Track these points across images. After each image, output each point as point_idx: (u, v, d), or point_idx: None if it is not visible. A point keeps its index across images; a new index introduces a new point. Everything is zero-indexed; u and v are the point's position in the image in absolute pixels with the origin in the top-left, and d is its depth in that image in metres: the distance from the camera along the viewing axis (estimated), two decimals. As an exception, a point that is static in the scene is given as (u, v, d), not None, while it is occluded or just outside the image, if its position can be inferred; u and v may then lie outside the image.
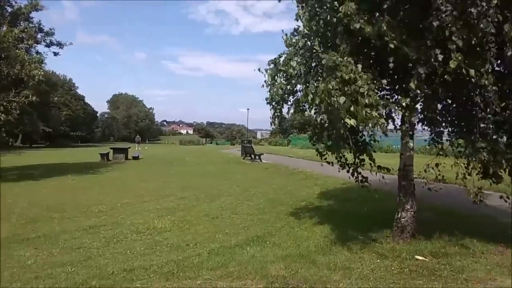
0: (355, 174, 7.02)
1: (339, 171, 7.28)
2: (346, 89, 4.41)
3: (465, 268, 5.27)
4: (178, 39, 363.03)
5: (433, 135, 6.19)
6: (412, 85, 4.71)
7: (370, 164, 6.72)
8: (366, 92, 4.43)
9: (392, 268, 5.33)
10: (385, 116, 5.09)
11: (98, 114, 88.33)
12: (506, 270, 5.16)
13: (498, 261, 5.50)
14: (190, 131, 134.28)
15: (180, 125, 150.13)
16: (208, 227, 7.96)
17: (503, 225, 7.23)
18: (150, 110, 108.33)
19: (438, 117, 5.85)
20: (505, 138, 5.66)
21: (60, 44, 22.32)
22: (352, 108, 4.39)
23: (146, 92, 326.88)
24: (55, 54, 22.32)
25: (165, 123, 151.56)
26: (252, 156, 24.18)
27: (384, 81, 5.13)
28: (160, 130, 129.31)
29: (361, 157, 6.95)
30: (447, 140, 6.40)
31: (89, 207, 10.23)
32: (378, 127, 5.03)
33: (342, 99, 4.27)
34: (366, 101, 4.40)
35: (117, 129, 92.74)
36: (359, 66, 4.67)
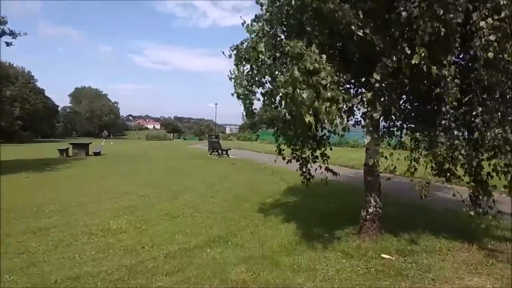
0: (304, 169, 6.84)
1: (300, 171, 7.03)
2: (310, 80, 4.09)
3: (432, 267, 5.13)
4: (145, 32, 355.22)
5: (390, 128, 6.09)
6: (376, 76, 4.45)
7: (324, 161, 6.58)
8: (328, 84, 4.13)
9: (358, 268, 5.11)
10: (345, 111, 4.85)
11: (59, 109, 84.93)
12: (473, 268, 5.05)
13: (465, 259, 5.40)
14: (157, 126, 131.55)
15: (147, 120, 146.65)
16: (167, 227, 7.50)
17: (465, 219, 7.22)
18: (115, 105, 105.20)
19: (397, 112, 5.70)
20: (466, 134, 5.56)
21: (13, 34, 20.95)
22: (316, 104, 4.08)
23: (112, 86, 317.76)
24: (8, 44, 20.93)
25: (131, 117, 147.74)
26: (219, 151, 23.74)
27: (349, 75, 4.86)
28: (126, 125, 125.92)
29: (315, 153, 6.78)
30: (405, 134, 6.31)
31: (41, 207, 9.48)
32: (338, 123, 4.79)
33: (305, 93, 3.96)
34: (328, 94, 4.11)
35: (80, 124, 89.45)
36: (324, 56, 4.37)
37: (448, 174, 5.94)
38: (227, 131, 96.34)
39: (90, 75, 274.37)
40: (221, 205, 9.52)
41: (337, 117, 4.57)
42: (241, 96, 5.73)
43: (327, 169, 6.61)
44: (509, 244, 5.88)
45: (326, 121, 4.23)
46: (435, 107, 5.78)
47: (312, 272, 4.98)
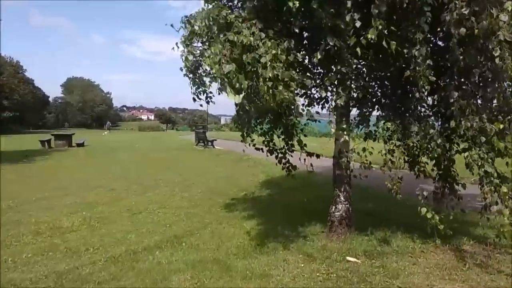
0: (282, 161, 6.25)
1: (277, 161, 6.43)
2: (244, 56, 3.46)
3: (401, 272, 4.57)
4: (139, 22, 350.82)
5: (359, 117, 5.46)
6: (316, 59, 3.82)
7: (301, 148, 5.97)
8: (269, 63, 3.50)
9: (318, 274, 4.55)
10: (302, 95, 4.24)
11: (51, 99, 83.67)
12: (446, 274, 4.50)
13: (438, 262, 4.84)
14: (152, 117, 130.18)
15: (141, 111, 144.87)
16: (124, 225, 6.91)
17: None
18: (108, 95, 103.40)
19: (365, 99, 5.10)
20: (439, 123, 5.00)
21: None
22: (256, 83, 3.45)
23: (105, 77, 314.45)
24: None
25: (125, 108, 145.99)
26: (205, 142, 23.10)
27: (299, 55, 4.21)
28: (119, 116, 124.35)
29: (291, 141, 6.18)
30: (377, 124, 5.69)
31: (-2, 202, 8.87)
32: (299, 108, 4.19)
33: (227, 68, 3.34)
34: (270, 74, 3.48)
35: (72, 115, 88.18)
36: (263, 32, 3.72)
37: (421, 168, 5.40)
38: (222, 121, 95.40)
39: (83, 66, 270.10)
40: (191, 200, 8.94)
41: (292, 99, 3.99)
42: (192, 76, 5.07)
43: (308, 154, 6.01)
44: (488, 245, 5.30)
45: (271, 103, 3.62)
46: (408, 94, 5.19)
47: (265, 279, 4.41)
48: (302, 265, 4.81)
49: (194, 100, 5.36)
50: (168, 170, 14.21)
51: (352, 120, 5.80)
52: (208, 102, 5.59)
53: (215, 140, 22.61)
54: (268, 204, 8.35)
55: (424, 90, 4.27)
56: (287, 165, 6.29)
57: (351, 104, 5.53)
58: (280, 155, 6.25)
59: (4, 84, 54.98)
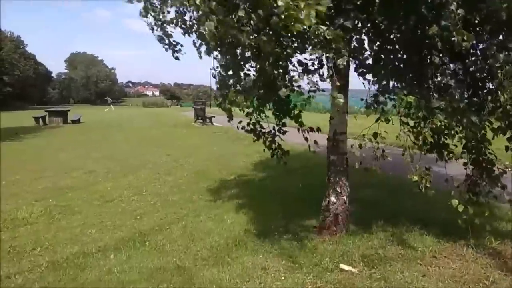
0: (273, 146, 5.17)
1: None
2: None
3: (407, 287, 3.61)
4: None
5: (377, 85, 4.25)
6: None
7: (298, 129, 4.81)
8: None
9: (302, 289, 3.61)
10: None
11: (54, 75, 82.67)
12: (465, 290, 3.53)
13: (455, 272, 3.85)
14: (157, 93, 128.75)
15: (146, 86, 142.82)
16: (89, 217, 6.03)
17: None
18: (112, 71, 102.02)
19: (382, 61, 4.00)
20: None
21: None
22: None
23: (110, 52, 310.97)
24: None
25: (130, 84, 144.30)
26: (203, 119, 22.07)
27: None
28: (124, 92, 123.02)
29: (285, 118, 5.09)
30: (388, 98, 4.43)
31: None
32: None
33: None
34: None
35: (76, 91, 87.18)
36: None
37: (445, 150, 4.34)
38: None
39: (86, 40, 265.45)
40: (173, 185, 8.02)
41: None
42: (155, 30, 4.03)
43: (307, 130, 4.77)
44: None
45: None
46: (425, 58, 4.07)
47: (234, 297, 3.50)
48: (284, 275, 3.86)
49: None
50: (158, 149, 13.26)
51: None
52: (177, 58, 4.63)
53: (214, 116, 21.50)
54: (258, 191, 7.39)
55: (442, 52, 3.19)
56: (277, 151, 5.22)
57: (358, 71, 4.35)
58: (269, 138, 5.12)
59: (4, 59, 53.90)
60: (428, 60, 3.92)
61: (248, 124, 4.94)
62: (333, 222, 4.80)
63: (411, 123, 4.27)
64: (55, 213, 6.20)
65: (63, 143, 15.39)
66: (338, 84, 3.93)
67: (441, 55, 3.69)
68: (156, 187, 7.92)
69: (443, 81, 3.78)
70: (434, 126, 3.86)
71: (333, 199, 4.81)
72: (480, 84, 4.02)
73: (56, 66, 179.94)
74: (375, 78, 4.10)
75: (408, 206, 5.77)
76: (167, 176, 8.86)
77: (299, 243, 4.65)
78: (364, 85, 4.25)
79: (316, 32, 2.98)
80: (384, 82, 4.20)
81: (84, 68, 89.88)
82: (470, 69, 3.95)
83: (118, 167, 10.07)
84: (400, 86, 4.28)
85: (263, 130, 5.00)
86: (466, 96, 4.06)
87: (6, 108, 52.90)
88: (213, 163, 10.32)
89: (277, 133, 5.00)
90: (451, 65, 3.92)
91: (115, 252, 4.56)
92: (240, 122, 4.90)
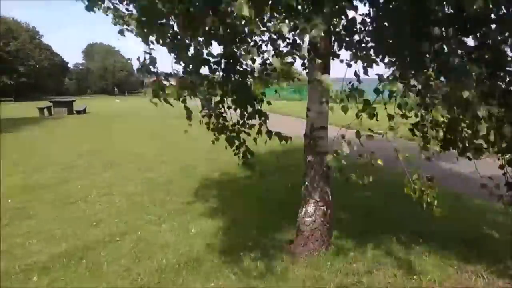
0: (238, 143, 4.22)
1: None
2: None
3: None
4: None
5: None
6: None
7: (260, 125, 3.89)
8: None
9: None
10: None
11: (70, 65, 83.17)
12: None
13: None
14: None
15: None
16: (39, 223, 5.26)
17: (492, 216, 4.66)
18: (128, 61, 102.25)
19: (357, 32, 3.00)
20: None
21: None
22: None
23: (124, 43, 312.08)
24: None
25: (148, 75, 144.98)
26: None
27: None
28: (142, 82, 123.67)
29: (250, 108, 4.11)
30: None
31: None
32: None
33: None
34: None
35: (93, 81, 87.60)
36: None
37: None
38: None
39: (103, 31, 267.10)
40: (150, 184, 7.23)
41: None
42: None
43: (268, 133, 3.89)
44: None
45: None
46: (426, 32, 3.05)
47: None
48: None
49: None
50: (151, 141, 12.54)
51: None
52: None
53: (219, 106, 20.67)
54: (241, 191, 6.53)
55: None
56: (239, 150, 4.28)
57: (338, 49, 3.36)
58: (232, 134, 4.19)
59: (19, 50, 54.17)
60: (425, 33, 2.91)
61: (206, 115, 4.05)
62: (309, 238, 3.89)
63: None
64: (6, 217, 5.46)
65: (58, 135, 14.81)
66: (320, 61, 3.01)
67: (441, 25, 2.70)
68: (131, 186, 7.12)
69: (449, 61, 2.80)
70: (436, 121, 2.87)
71: (310, 209, 3.89)
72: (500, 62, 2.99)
73: (73, 57, 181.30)
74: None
75: (408, 214, 4.79)
76: (148, 173, 8.08)
77: (266, 263, 3.76)
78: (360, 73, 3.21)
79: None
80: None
81: (100, 58, 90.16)
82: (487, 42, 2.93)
83: (100, 161, 9.35)
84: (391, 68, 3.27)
85: (226, 124, 4.09)
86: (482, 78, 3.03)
87: (23, 98, 53.36)
88: (200, 158, 9.47)
89: (241, 128, 4.06)
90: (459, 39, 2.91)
91: (41, 272, 3.76)
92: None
